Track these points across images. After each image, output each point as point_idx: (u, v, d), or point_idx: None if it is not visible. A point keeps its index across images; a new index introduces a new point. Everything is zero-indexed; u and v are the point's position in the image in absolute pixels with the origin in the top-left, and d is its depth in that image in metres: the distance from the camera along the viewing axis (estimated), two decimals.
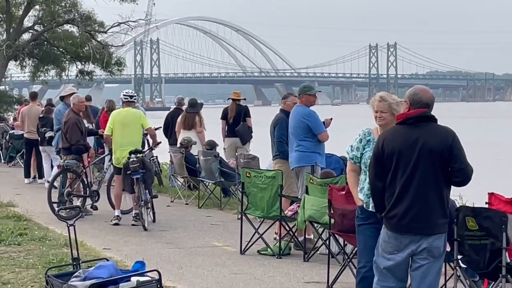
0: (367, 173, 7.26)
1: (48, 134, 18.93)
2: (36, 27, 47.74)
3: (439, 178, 6.71)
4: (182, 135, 18.94)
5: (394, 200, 6.80)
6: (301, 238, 11.80)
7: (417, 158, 6.71)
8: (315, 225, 11.11)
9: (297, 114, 12.25)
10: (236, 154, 17.54)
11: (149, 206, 14.32)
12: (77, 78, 49.00)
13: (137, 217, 14.30)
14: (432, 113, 6.92)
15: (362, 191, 7.52)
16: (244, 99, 19.02)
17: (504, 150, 45.75)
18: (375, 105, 7.77)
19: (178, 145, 18.35)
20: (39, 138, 20.77)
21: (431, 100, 6.92)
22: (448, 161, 6.68)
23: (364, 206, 7.49)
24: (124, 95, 15.13)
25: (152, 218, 14.54)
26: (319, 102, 12.25)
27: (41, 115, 20.07)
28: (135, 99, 15.22)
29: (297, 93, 12.74)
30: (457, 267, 7.62)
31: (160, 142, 16.05)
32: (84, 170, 15.52)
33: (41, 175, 21.45)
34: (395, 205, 6.79)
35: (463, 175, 6.71)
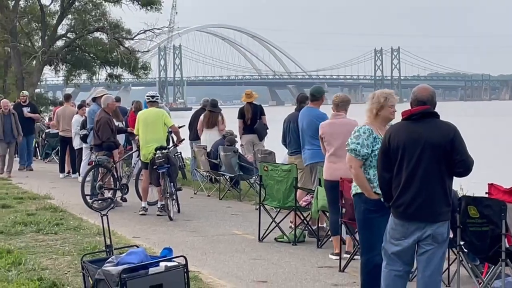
0: None
1: (82, 133, 18.99)
2: (69, 35, 47.96)
3: (442, 169, 6.69)
4: (205, 133, 18.97)
5: (400, 190, 6.79)
6: (314, 227, 11.79)
7: (421, 151, 6.69)
8: (328, 214, 11.10)
9: (309, 115, 11.98)
10: (254, 149, 17.56)
11: (174, 198, 14.35)
12: (107, 81, 49.24)
13: (163, 208, 14.34)
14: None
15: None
16: (257, 96, 18.95)
17: (501, 144, 45.60)
18: (394, 102, 7.78)
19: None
20: (72, 136, 20.91)
21: (427, 97, 6.87)
22: (450, 154, 6.65)
23: (382, 199, 7.36)
24: (146, 96, 15.24)
25: (177, 209, 14.56)
26: (329, 102, 12.05)
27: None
28: (156, 99, 15.18)
29: (311, 94, 12.43)
30: (459, 252, 7.60)
31: (183, 139, 16.06)
32: (114, 165, 15.55)
33: (74, 170, 21.53)
34: (401, 195, 6.78)
35: (464, 166, 6.68)
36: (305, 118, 12.00)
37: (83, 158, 19.64)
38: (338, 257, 9.97)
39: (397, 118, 7.04)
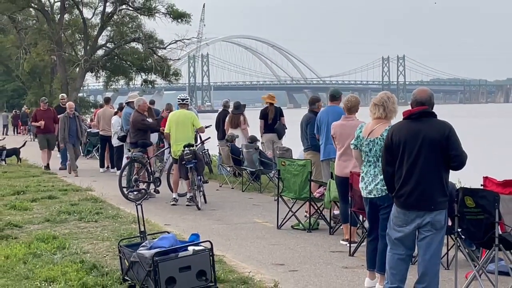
0: None
1: (121, 134, 18.99)
2: (108, 45, 48.31)
3: (439, 163, 6.66)
4: (230, 132, 19.04)
5: (401, 182, 6.77)
6: (330, 213, 11.73)
7: (420, 147, 6.67)
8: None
9: (333, 112, 11.68)
10: (273, 147, 17.58)
11: (201, 190, 14.38)
12: (142, 86, 49.53)
13: (191, 199, 14.37)
14: (437, 113, 6.88)
15: None
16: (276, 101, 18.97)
17: (496, 142, 45.40)
18: None
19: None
20: (112, 135, 20.94)
21: (425, 99, 6.84)
22: (446, 149, 6.62)
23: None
24: (177, 99, 15.25)
25: (204, 200, 14.58)
26: (341, 105, 11.95)
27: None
28: (186, 101, 15.17)
29: (332, 95, 12.18)
30: (457, 239, 7.56)
31: (209, 138, 16.08)
32: (148, 161, 15.60)
33: (113, 165, 21.56)
34: (402, 186, 6.76)
35: (458, 160, 6.65)
36: (330, 115, 11.72)
37: (125, 154, 19.74)
38: (347, 243, 10.00)
39: (399, 118, 7.01)
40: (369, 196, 7.78)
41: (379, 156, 7.67)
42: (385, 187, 7.47)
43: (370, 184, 7.76)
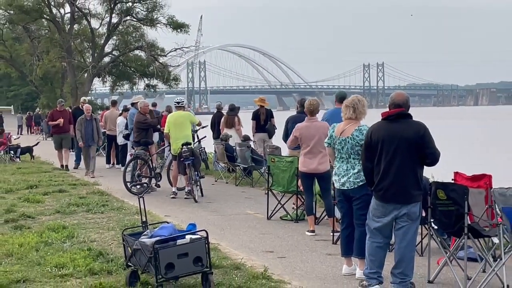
0: None
1: (125, 132, 18.89)
2: (114, 52, 48.29)
3: (414, 160, 6.67)
4: (224, 132, 19.04)
5: (380, 177, 6.78)
6: None
7: (397, 145, 6.67)
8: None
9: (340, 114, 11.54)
10: (264, 145, 17.58)
11: (198, 184, 14.36)
12: (145, 90, 49.56)
13: (189, 193, 14.36)
14: (413, 115, 6.89)
15: None
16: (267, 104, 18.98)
17: (465, 140, 45.55)
18: None
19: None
20: (117, 134, 20.84)
21: (402, 101, 6.85)
22: (420, 147, 6.63)
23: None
24: (174, 102, 15.29)
25: (200, 193, 14.56)
26: (325, 106, 11.86)
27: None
28: (181, 104, 15.11)
29: (342, 97, 11.78)
30: (430, 228, 7.57)
31: (205, 136, 16.04)
32: (150, 158, 15.58)
33: (118, 162, 21.49)
34: (381, 181, 6.77)
35: (432, 158, 6.67)
36: (339, 117, 11.61)
37: (128, 152, 19.65)
38: (313, 234, 10.31)
39: (377, 118, 7.01)
40: (342, 188, 7.76)
41: (351, 153, 7.69)
42: (357, 180, 7.56)
43: (343, 177, 7.74)
